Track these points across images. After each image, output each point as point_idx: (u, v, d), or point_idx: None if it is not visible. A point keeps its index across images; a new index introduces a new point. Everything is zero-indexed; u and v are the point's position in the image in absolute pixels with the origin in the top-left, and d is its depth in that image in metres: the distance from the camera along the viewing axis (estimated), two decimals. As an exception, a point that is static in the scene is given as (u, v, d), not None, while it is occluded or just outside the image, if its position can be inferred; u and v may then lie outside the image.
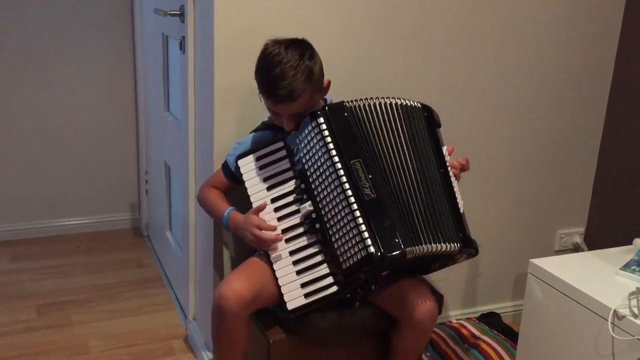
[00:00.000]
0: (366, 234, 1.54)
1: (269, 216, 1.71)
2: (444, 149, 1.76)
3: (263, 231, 1.67)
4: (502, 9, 2.18)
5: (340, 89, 1.83)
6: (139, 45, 3.03)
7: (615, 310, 1.62)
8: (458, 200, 1.72)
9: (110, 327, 2.45)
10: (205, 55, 1.96)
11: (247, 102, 1.91)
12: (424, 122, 1.74)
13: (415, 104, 1.75)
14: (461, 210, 1.71)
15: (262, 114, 1.88)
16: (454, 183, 1.74)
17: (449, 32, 2.13)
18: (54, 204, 3.20)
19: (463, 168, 1.80)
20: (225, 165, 1.85)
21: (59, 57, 3.02)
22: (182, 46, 2.12)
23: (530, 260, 1.92)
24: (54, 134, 3.11)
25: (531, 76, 2.31)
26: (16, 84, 2.99)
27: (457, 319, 2.49)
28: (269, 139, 1.78)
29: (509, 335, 2.36)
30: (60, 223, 3.24)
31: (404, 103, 1.73)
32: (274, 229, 1.68)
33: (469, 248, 1.69)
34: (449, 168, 1.74)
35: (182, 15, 2.11)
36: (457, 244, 1.65)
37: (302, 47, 1.66)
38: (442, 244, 1.62)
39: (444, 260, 1.76)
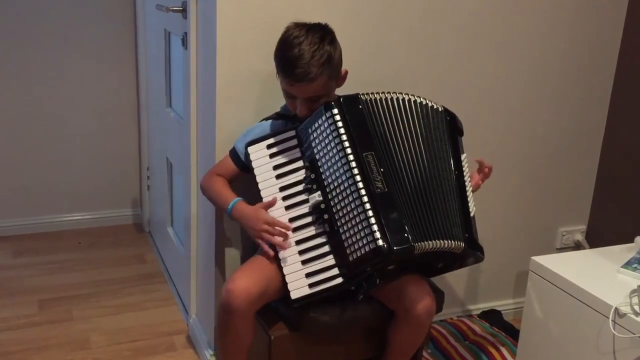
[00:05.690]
0: (375, 227, 1.54)
1: (276, 204, 1.70)
2: (463, 156, 1.79)
3: (272, 227, 1.67)
4: (504, 7, 2.18)
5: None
6: (141, 41, 3.03)
7: (616, 308, 1.62)
8: (470, 204, 1.74)
9: (112, 322, 2.46)
10: (207, 51, 1.96)
11: (249, 98, 1.92)
12: (445, 124, 1.77)
13: (438, 106, 1.78)
14: (472, 214, 1.74)
15: (264, 109, 1.88)
16: (468, 187, 1.76)
17: (451, 31, 2.13)
18: (56, 199, 3.20)
19: (485, 175, 1.90)
20: (233, 152, 1.84)
21: (61, 53, 3.02)
22: (185, 42, 2.12)
23: (532, 257, 1.92)
24: (56, 130, 3.11)
25: (533, 73, 2.31)
26: (18, 80, 2.99)
27: (458, 316, 2.49)
28: (281, 128, 1.79)
29: (510, 332, 2.36)
30: (62, 218, 3.24)
31: (424, 102, 1.76)
32: (285, 226, 1.67)
33: (474, 249, 1.71)
34: (466, 174, 1.77)
35: (184, 12, 2.11)
36: (461, 242, 1.66)
37: (323, 32, 1.68)
38: (448, 240, 1.62)
39: (450, 261, 1.77)
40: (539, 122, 2.39)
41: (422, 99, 1.76)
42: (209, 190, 1.86)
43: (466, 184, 1.77)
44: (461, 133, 1.84)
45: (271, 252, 1.68)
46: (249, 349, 1.73)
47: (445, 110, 1.80)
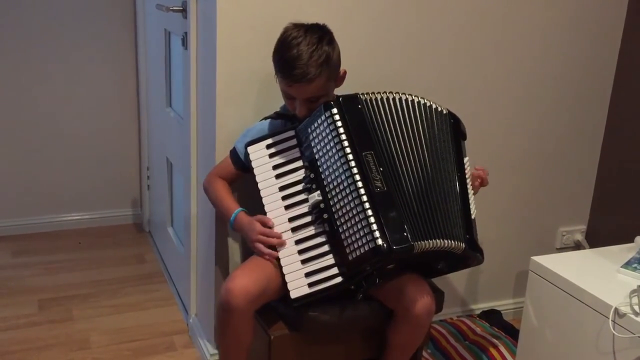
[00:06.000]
0: (375, 226, 1.54)
1: (276, 204, 1.71)
2: (466, 159, 1.79)
3: (265, 237, 1.68)
4: (504, 7, 2.18)
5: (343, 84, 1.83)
6: (141, 41, 3.03)
7: (616, 308, 1.62)
8: (471, 206, 1.74)
9: (112, 322, 2.46)
10: (207, 51, 1.96)
11: (249, 98, 1.92)
12: (449, 127, 1.78)
13: (442, 108, 1.79)
14: (473, 216, 1.74)
15: (264, 109, 1.89)
16: (470, 190, 1.77)
17: (450, 31, 2.13)
18: (56, 199, 3.20)
19: (482, 182, 1.86)
20: (234, 153, 1.85)
21: (61, 53, 3.02)
22: (185, 42, 2.12)
23: (532, 257, 1.92)
24: (56, 130, 3.11)
25: (533, 72, 2.31)
26: (18, 80, 2.99)
27: (458, 316, 2.49)
28: (280, 128, 1.79)
29: (510, 332, 2.36)
30: (62, 218, 3.24)
31: (428, 104, 1.76)
32: (279, 236, 1.68)
33: (474, 251, 1.71)
34: (468, 177, 1.77)
35: (184, 11, 2.11)
36: (462, 243, 1.66)
37: (321, 32, 1.69)
38: (448, 240, 1.62)
39: (450, 262, 1.77)
40: (539, 122, 2.39)
41: (425, 100, 1.76)
42: (211, 194, 1.88)
43: (468, 185, 1.77)
44: (464, 137, 1.84)
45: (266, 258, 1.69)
46: (250, 348, 1.73)
47: (450, 113, 1.81)
